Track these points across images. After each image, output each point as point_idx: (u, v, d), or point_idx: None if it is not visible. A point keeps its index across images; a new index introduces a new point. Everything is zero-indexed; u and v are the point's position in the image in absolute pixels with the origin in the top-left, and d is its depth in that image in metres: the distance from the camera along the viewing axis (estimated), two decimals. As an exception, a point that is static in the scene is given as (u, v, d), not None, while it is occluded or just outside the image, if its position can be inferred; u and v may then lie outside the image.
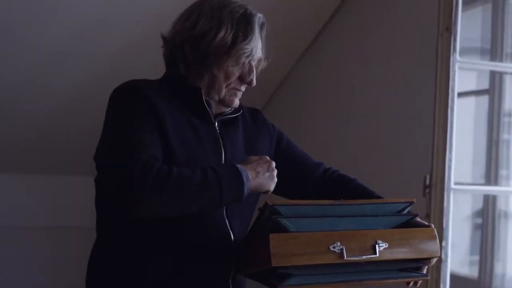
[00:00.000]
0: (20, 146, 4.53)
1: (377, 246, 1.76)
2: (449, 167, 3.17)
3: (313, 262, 1.70)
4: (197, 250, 1.81)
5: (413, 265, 1.84)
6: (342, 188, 2.08)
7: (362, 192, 2.04)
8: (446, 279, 3.13)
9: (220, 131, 1.92)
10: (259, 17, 1.91)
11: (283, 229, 1.72)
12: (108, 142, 1.75)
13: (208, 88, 1.89)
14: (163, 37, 1.92)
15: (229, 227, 1.86)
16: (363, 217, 1.80)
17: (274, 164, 1.81)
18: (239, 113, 1.99)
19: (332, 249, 1.72)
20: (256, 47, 1.89)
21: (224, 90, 1.89)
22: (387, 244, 1.78)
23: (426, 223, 1.90)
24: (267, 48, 1.97)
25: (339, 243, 1.73)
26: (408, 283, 1.85)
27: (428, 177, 3.21)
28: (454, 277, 3.32)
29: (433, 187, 3.18)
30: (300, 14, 4.02)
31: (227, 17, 1.85)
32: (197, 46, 1.86)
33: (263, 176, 1.77)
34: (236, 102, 1.94)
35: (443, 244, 3.13)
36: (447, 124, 3.16)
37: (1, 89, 4.07)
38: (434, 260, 1.87)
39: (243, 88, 1.94)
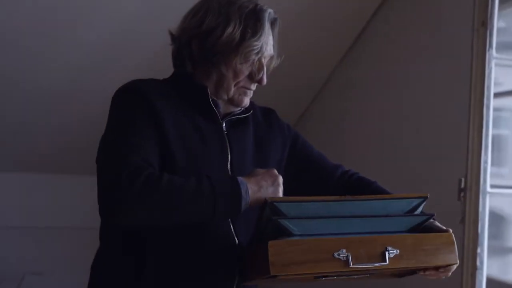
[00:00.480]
0: (69, 147, 4.48)
1: (387, 253, 1.63)
2: (485, 170, 3.02)
3: (315, 270, 1.58)
4: (200, 256, 1.73)
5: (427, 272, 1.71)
6: (361, 191, 1.96)
7: (381, 193, 1.91)
8: (481, 286, 2.97)
9: (228, 132, 1.84)
10: (269, 13, 1.82)
11: (286, 232, 1.62)
12: (104, 145, 1.70)
13: (216, 86, 1.81)
14: (171, 34, 1.85)
15: (233, 231, 1.76)
16: (373, 218, 1.67)
17: (281, 179, 1.71)
18: (249, 113, 1.90)
19: (337, 256, 1.60)
20: (267, 44, 1.80)
21: (233, 89, 1.81)
22: (398, 251, 1.64)
23: (444, 227, 1.76)
24: (278, 44, 1.88)
25: (344, 250, 1.61)
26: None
27: (463, 180, 3.06)
28: (493, 282, 3.15)
29: (467, 191, 3.03)
30: (342, 12, 3.89)
31: (235, 13, 1.77)
32: (204, 43, 1.78)
33: (266, 191, 1.67)
34: (246, 101, 1.85)
35: (478, 250, 2.97)
36: (482, 124, 3.01)
37: (44, 92, 4.03)
38: (454, 267, 1.72)
39: (253, 86, 1.84)
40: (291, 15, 3.66)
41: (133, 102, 1.71)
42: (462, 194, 3.05)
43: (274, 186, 1.68)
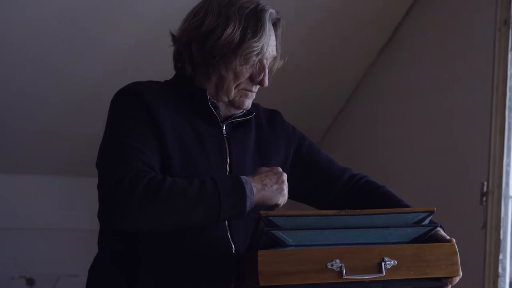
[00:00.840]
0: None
1: (383, 263, 1.56)
2: (507, 173, 2.92)
3: (307, 281, 1.52)
4: (195, 264, 1.68)
5: (431, 285, 1.62)
6: (367, 195, 1.90)
7: (388, 200, 1.85)
8: (504, 294, 2.88)
9: (228, 135, 1.80)
10: (271, 13, 1.77)
11: (281, 243, 1.56)
12: (104, 149, 1.67)
13: (217, 89, 1.77)
14: (172, 35, 1.81)
15: (230, 239, 1.72)
16: (371, 229, 1.60)
17: (285, 176, 1.68)
18: (252, 115, 1.86)
19: (330, 267, 1.54)
20: (268, 45, 1.76)
21: (233, 91, 1.77)
22: (395, 262, 1.57)
23: (448, 237, 1.68)
24: (281, 45, 1.83)
25: (338, 260, 1.54)
26: None
27: (485, 184, 2.97)
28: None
29: (490, 195, 2.93)
30: (375, 12, 3.80)
31: (235, 14, 1.73)
32: (203, 44, 1.74)
33: (271, 189, 1.64)
34: (247, 103, 1.80)
35: (500, 257, 2.87)
36: (504, 127, 2.91)
37: (79, 88, 4.03)
38: (457, 279, 1.64)
39: (254, 88, 1.80)
40: (323, 13, 3.61)
41: (131, 105, 1.69)
42: (484, 199, 2.96)
43: (278, 184, 1.65)
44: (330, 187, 1.91)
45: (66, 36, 3.59)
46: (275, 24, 1.79)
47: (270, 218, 1.56)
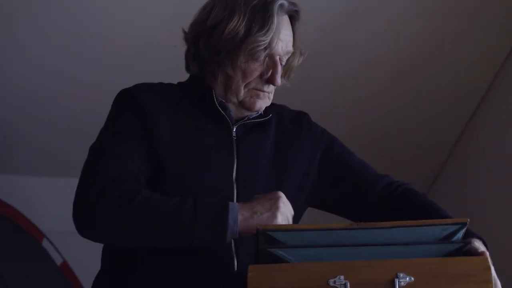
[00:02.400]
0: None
1: (397, 280, 1.35)
2: None
3: (305, 300, 1.35)
4: (196, 279, 1.56)
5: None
6: (405, 204, 1.69)
7: (426, 209, 1.64)
8: None
9: (239, 138, 1.67)
10: (281, 4, 1.63)
11: (282, 262, 1.41)
12: (89, 151, 1.61)
13: (225, 89, 1.65)
14: (184, 32, 1.70)
15: (234, 254, 1.57)
16: (388, 246, 1.41)
17: (282, 201, 1.50)
18: (268, 117, 1.71)
19: (332, 284, 1.36)
20: (279, 39, 1.62)
21: (242, 91, 1.64)
22: (412, 278, 1.36)
23: (482, 248, 1.45)
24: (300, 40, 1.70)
25: (342, 277, 1.36)
26: None
27: None
28: None
29: None
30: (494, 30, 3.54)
31: (241, 6, 1.60)
32: (209, 40, 1.63)
33: (260, 217, 1.47)
34: (259, 105, 1.66)
35: None
36: None
37: None
38: None
39: (267, 88, 1.65)
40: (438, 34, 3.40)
41: (125, 107, 1.63)
42: None
43: (271, 212, 1.48)
44: (364, 196, 1.72)
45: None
46: (292, 17, 1.66)
47: (269, 233, 1.41)
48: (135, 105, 1.61)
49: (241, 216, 1.47)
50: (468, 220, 1.44)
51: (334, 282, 1.36)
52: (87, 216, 1.47)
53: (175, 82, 1.74)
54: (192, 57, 1.67)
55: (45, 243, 3.67)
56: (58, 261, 3.69)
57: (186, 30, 1.70)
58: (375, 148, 3.85)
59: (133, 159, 1.55)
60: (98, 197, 1.46)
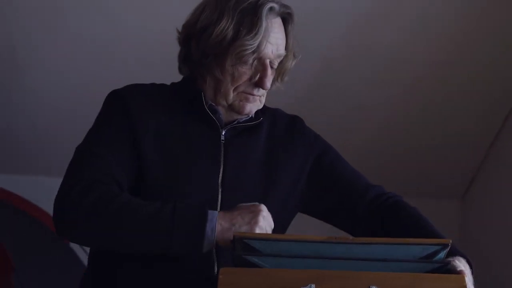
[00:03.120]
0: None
1: (369, 293, 1.33)
2: None
3: (274, 307, 1.33)
4: (175, 284, 1.56)
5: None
6: (391, 216, 1.66)
7: (413, 223, 1.62)
8: None
9: (228, 141, 1.66)
10: (271, 7, 1.61)
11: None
12: (75, 150, 1.62)
13: (215, 92, 1.64)
14: (178, 33, 1.70)
15: (215, 259, 1.57)
16: (365, 262, 1.38)
17: (262, 215, 1.49)
18: (258, 120, 1.70)
19: (302, 292, 1.33)
20: (268, 42, 1.60)
21: (231, 95, 1.63)
22: (385, 292, 1.33)
23: (461, 267, 1.42)
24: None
25: (313, 286, 1.34)
26: None
27: None
28: None
29: None
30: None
31: (230, 8, 1.59)
32: (199, 43, 1.62)
33: (239, 230, 1.47)
34: (248, 108, 1.65)
35: None
36: None
37: None
38: None
39: (257, 92, 1.64)
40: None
41: (113, 109, 1.63)
42: None
43: (249, 225, 1.47)
44: (353, 206, 1.69)
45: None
46: (285, 20, 1.64)
47: (245, 240, 1.40)
48: (123, 108, 1.61)
49: (219, 226, 1.46)
50: (451, 241, 1.41)
51: (304, 290, 1.34)
52: (67, 216, 1.49)
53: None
54: (183, 59, 1.67)
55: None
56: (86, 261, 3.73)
57: (180, 30, 1.68)
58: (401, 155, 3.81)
59: (116, 163, 1.55)
60: (78, 198, 1.48)
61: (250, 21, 1.57)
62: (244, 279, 1.35)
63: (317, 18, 3.27)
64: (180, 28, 1.68)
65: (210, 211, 1.47)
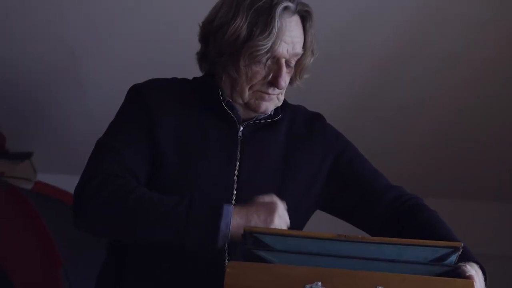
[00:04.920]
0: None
1: (374, 293, 1.33)
2: None
3: (279, 303, 1.34)
4: (186, 278, 1.59)
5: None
6: (408, 218, 1.65)
7: (429, 226, 1.60)
8: None
9: (245, 137, 1.67)
10: (286, 6, 1.60)
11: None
12: (96, 143, 1.66)
13: (231, 90, 1.65)
14: (200, 28, 1.71)
15: (226, 254, 1.59)
16: (374, 261, 1.38)
17: (278, 214, 1.49)
18: (277, 117, 1.70)
19: (308, 289, 1.34)
20: (284, 42, 1.60)
21: (247, 93, 1.64)
22: (391, 293, 1.33)
23: (471, 272, 1.39)
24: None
25: (320, 283, 1.34)
26: None
27: None
28: None
29: None
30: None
31: (245, 7, 1.59)
32: (215, 41, 1.63)
33: (255, 225, 1.48)
34: (264, 107, 1.65)
35: None
36: None
37: None
38: None
39: (272, 90, 1.64)
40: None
41: (133, 104, 1.66)
42: None
43: (266, 223, 1.48)
44: (372, 206, 1.69)
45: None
46: (303, 18, 1.64)
47: (256, 235, 1.41)
48: (142, 103, 1.64)
49: (235, 222, 1.47)
50: (462, 244, 1.39)
51: (311, 287, 1.35)
52: (84, 209, 1.52)
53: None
54: (201, 56, 1.69)
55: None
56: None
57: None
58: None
59: (133, 157, 1.59)
60: (95, 191, 1.51)
61: (264, 21, 1.57)
62: (251, 274, 1.37)
63: (369, 17, 3.26)
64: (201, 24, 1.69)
65: (225, 206, 1.48)
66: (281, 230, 1.46)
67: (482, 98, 3.58)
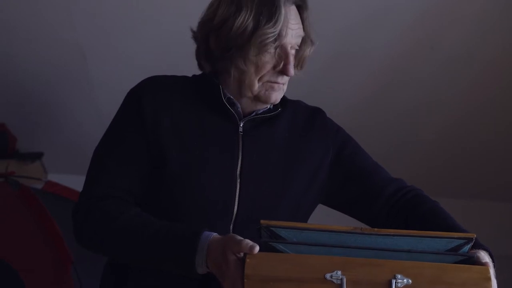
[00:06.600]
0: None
1: (394, 281, 1.35)
2: None
3: (300, 292, 1.36)
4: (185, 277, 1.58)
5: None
6: (413, 210, 1.67)
7: (433, 217, 1.63)
8: None
9: (246, 133, 1.68)
10: None
11: None
12: (93, 155, 1.71)
13: (239, 84, 1.66)
14: (192, 32, 1.73)
15: None
16: (390, 252, 1.40)
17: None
18: (277, 111, 1.72)
19: (329, 278, 1.36)
20: (289, 28, 1.62)
21: (257, 85, 1.65)
22: (409, 281, 1.35)
23: (486, 259, 1.42)
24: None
25: (340, 272, 1.36)
26: None
27: None
28: None
29: None
30: None
31: (247, 0, 1.61)
32: (218, 37, 1.64)
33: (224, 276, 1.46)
34: (275, 97, 1.67)
35: None
36: None
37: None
38: None
39: (281, 79, 1.66)
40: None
41: (127, 111, 1.68)
42: None
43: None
44: (373, 200, 1.71)
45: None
46: (299, 7, 1.67)
47: (272, 228, 1.43)
48: (138, 109, 1.65)
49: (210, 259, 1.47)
50: (475, 235, 1.42)
51: (331, 277, 1.36)
52: (79, 232, 1.63)
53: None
54: (204, 55, 1.69)
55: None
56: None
57: (195, 29, 1.71)
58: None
59: (127, 174, 1.63)
60: (86, 214, 1.60)
61: (269, 10, 1.60)
62: (270, 264, 1.38)
63: (378, 18, 3.28)
64: (194, 28, 1.71)
65: (202, 237, 1.48)
66: (297, 223, 1.47)
67: (490, 98, 3.60)
